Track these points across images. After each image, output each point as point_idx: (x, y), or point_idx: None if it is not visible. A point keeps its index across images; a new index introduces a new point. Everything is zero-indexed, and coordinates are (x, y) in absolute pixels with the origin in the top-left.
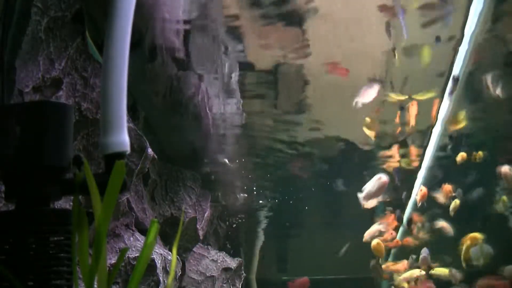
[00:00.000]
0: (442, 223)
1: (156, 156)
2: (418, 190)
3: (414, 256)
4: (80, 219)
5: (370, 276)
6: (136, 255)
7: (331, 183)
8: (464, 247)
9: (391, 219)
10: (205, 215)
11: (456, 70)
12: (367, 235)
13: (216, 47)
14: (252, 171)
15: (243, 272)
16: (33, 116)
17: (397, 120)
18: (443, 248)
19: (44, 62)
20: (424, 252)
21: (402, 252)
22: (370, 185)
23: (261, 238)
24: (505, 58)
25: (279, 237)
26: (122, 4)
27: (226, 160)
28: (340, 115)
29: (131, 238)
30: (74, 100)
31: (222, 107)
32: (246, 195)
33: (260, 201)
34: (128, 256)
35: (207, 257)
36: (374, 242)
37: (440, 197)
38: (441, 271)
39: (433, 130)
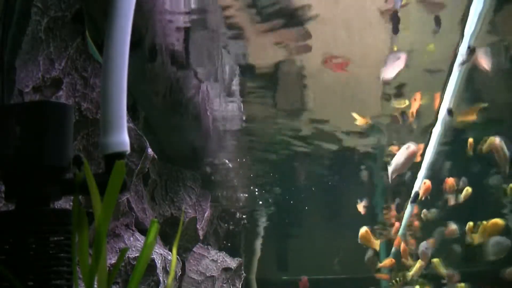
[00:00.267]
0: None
1: (156, 156)
2: (421, 184)
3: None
4: (80, 219)
5: (370, 276)
6: (136, 255)
7: (331, 182)
8: (479, 235)
9: (392, 211)
10: (205, 215)
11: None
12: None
13: (216, 47)
14: (252, 171)
15: (243, 272)
16: (33, 116)
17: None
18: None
19: (44, 62)
20: (423, 246)
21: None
22: (398, 156)
23: (261, 238)
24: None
25: (279, 237)
26: (122, 4)
27: (226, 160)
28: (340, 115)
29: (131, 238)
30: (74, 100)
31: (222, 107)
32: (246, 195)
33: (260, 202)
34: (128, 256)
35: (207, 257)
36: (362, 230)
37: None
38: (438, 265)
39: (436, 123)
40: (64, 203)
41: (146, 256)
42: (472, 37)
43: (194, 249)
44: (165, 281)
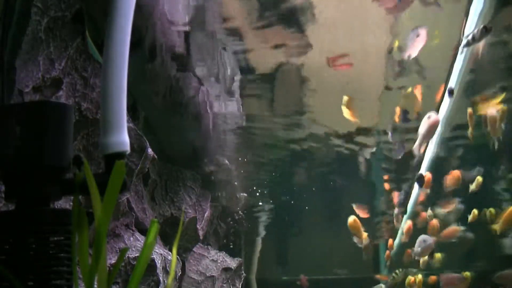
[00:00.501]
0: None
1: (156, 156)
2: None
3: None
4: (80, 219)
5: (370, 276)
6: (136, 255)
7: (332, 182)
8: (504, 223)
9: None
10: (205, 215)
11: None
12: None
13: (216, 47)
14: (252, 171)
15: (243, 272)
16: (33, 116)
17: (397, 117)
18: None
19: (44, 62)
20: (424, 239)
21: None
22: (421, 128)
23: (261, 238)
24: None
25: (279, 237)
26: (122, 4)
27: (226, 160)
28: (340, 115)
29: (131, 238)
30: (74, 100)
31: (222, 107)
32: (246, 195)
33: (260, 202)
34: (128, 256)
35: (207, 257)
36: (351, 219)
37: (448, 182)
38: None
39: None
40: (64, 203)
41: (146, 256)
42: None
43: (194, 249)
44: (165, 281)
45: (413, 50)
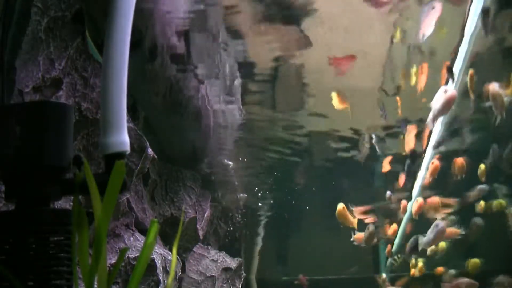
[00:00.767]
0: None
1: (156, 156)
2: (429, 164)
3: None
4: (80, 219)
5: (370, 276)
6: (136, 255)
7: (331, 182)
8: None
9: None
10: (205, 215)
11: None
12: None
13: (216, 47)
14: (252, 171)
15: (243, 272)
16: (33, 116)
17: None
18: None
19: (44, 62)
20: (437, 224)
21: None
22: (435, 102)
23: (261, 238)
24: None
25: (280, 237)
26: (122, 4)
27: (226, 160)
28: (340, 115)
29: (131, 238)
30: (74, 100)
31: (222, 107)
32: (246, 195)
33: (260, 202)
34: (128, 256)
35: (207, 257)
36: (339, 207)
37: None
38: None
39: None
40: (64, 203)
41: (146, 256)
42: (472, 37)
43: (194, 249)
44: (165, 281)
45: (427, 27)
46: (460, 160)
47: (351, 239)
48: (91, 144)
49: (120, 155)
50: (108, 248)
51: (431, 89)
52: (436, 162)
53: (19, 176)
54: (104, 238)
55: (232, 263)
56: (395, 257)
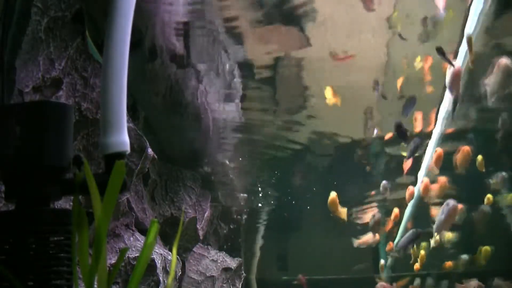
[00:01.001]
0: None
1: (156, 156)
2: (433, 152)
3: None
4: (80, 219)
5: (370, 276)
6: (136, 255)
7: (334, 182)
8: None
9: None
10: (205, 215)
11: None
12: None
13: (216, 47)
14: (252, 171)
15: (243, 272)
16: (33, 116)
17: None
18: None
19: (44, 62)
20: (447, 203)
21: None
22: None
23: (261, 238)
24: None
25: (280, 237)
26: (122, 4)
27: (226, 160)
28: (340, 114)
29: (131, 238)
30: (74, 100)
31: (222, 107)
32: (246, 195)
33: (260, 202)
34: (128, 256)
35: (207, 257)
36: (332, 195)
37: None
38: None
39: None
40: (64, 203)
41: (146, 256)
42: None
43: (194, 249)
44: (165, 281)
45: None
46: (466, 149)
47: (354, 245)
48: (91, 144)
49: (120, 155)
50: (108, 248)
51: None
52: (440, 150)
53: (19, 176)
54: (104, 238)
55: (232, 263)
56: (396, 249)
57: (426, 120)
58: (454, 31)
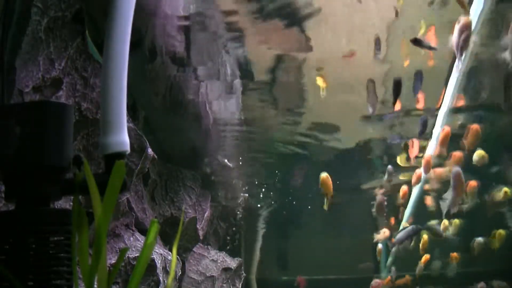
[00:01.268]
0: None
1: (156, 156)
2: (440, 131)
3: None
4: (80, 219)
5: (370, 276)
6: (136, 255)
7: (338, 182)
8: None
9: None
10: (205, 215)
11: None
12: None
13: (216, 47)
14: (252, 171)
15: (243, 272)
16: (33, 116)
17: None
18: None
19: (44, 62)
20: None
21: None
22: (454, 36)
23: (261, 238)
24: None
25: (280, 237)
26: (122, 4)
27: (226, 160)
28: (340, 115)
29: (131, 238)
30: (74, 100)
31: (222, 107)
32: (246, 195)
33: (260, 202)
34: (128, 256)
35: (207, 257)
36: (323, 175)
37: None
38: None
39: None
40: (64, 203)
41: (146, 256)
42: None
43: (194, 249)
44: (165, 281)
45: None
46: (474, 127)
47: (374, 240)
48: (91, 144)
49: (120, 155)
50: (108, 248)
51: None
52: (447, 129)
53: (19, 176)
54: (104, 238)
55: (232, 263)
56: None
57: (431, 97)
58: None
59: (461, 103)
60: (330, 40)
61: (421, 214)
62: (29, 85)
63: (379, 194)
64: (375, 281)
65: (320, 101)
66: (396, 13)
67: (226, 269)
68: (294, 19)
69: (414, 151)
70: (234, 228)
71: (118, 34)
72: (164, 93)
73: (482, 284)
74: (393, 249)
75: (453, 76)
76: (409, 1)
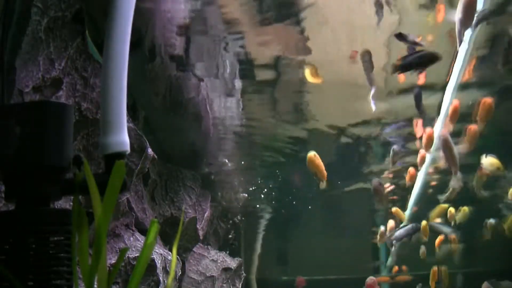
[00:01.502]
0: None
1: (156, 156)
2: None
3: None
4: (80, 219)
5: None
6: (136, 255)
7: (338, 182)
8: None
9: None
10: (205, 215)
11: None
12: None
13: (216, 47)
14: (252, 171)
15: (243, 272)
16: (33, 116)
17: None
18: None
19: (44, 62)
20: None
21: None
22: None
23: (261, 238)
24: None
25: (280, 237)
26: (122, 4)
27: (226, 160)
28: (340, 114)
29: (131, 238)
30: (74, 100)
31: (222, 107)
32: (246, 195)
33: (260, 202)
34: (128, 256)
35: (207, 257)
36: (311, 154)
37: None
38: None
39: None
40: (64, 203)
41: (146, 256)
42: (471, 38)
43: (194, 249)
44: (165, 281)
45: None
46: (487, 100)
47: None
48: (91, 144)
49: (120, 155)
50: (108, 248)
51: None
52: (456, 103)
53: (19, 176)
54: (104, 238)
55: (232, 263)
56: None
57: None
58: None
59: (469, 77)
60: (330, 41)
61: (428, 201)
62: (29, 85)
63: (374, 180)
64: (370, 278)
65: (320, 101)
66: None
67: (226, 269)
68: (294, 19)
69: (418, 131)
70: (234, 228)
71: (118, 34)
72: (164, 93)
73: (486, 284)
74: (393, 249)
75: (462, 49)
76: None
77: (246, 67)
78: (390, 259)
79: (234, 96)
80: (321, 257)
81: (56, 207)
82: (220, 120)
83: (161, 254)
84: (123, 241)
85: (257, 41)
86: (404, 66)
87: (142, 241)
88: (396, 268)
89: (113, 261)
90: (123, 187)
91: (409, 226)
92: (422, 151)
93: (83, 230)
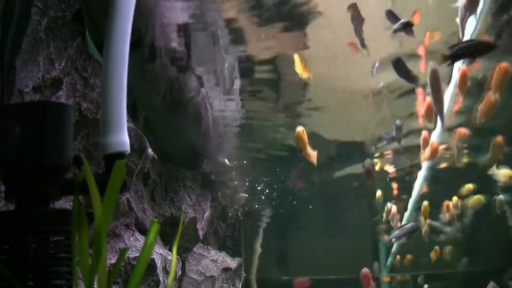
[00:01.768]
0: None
1: (156, 156)
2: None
3: None
4: (80, 219)
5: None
6: (136, 255)
7: (331, 182)
8: None
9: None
10: (205, 215)
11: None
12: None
13: (216, 46)
14: (252, 171)
15: (243, 272)
16: (33, 116)
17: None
18: None
19: (44, 62)
20: None
21: None
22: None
23: (261, 238)
24: None
25: (280, 237)
26: (122, 4)
27: (226, 160)
28: (340, 115)
29: (131, 238)
30: (74, 100)
31: (222, 107)
32: (246, 195)
33: (260, 202)
34: (128, 256)
35: (207, 257)
36: (299, 129)
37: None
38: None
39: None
40: (64, 203)
41: (146, 256)
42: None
43: (194, 249)
44: (165, 281)
45: None
46: (504, 66)
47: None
48: (91, 144)
49: (120, 155)
50: (108, 248)
51: None
52: (463, 67)
53: (19, 176)
54: (104, 238)
55: (232, 263)
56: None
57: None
58: None
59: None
60: (329, 39)
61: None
62: (29, 85)
63: (366, 161)
64: (365, 269)
65: (320, 101)
66: None
67: (226, 269)
68: (294, 19)
69: (419, 108)
70: (234, 228)
71: (118, 34)
72: (164, 93)
73: (492, 284)
74: (393, 249)
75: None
76: None
77: (246, 65)
78: (390, 259)
79: (234, 96)
80: (321, 257)
81: (56, 207)
82: (220, 120)
83: (161, 254)
84: (123, 241)
85: (257, 39)
86: (455, 55)
87: (142, 241)
88: (398, 257)
89: (113, 261)
90: (123, 187)
91: (408, 225)
92: (424, 132)
93: (83, 230)
